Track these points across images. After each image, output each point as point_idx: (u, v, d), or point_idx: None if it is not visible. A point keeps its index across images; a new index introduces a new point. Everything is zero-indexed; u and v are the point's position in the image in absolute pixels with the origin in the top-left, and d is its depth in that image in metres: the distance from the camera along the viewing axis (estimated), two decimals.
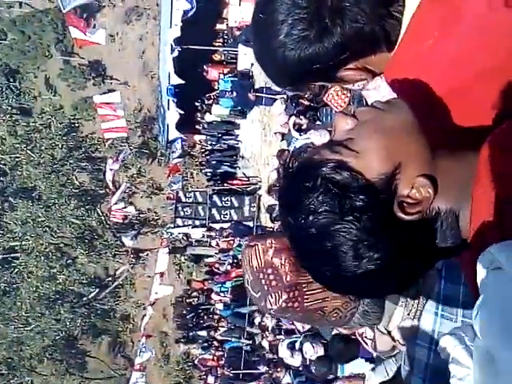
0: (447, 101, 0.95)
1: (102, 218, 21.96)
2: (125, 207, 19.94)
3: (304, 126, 9.37)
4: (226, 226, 17.24)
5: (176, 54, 16.03)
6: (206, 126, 17.57)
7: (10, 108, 23.10)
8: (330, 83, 1.16)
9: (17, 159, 22.50)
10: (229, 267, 17.26)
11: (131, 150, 21.15)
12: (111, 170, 18.05)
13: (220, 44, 17.63)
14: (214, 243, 18.29)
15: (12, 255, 22.76)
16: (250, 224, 16.84)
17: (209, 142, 18.21)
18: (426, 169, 0.90)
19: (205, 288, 19.47)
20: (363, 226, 0.86)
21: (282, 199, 0.95)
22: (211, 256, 18.92)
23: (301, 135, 9.45)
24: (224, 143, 17.72)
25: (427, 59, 0.97)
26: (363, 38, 1.00)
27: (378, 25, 1.01)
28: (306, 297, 1.32)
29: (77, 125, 22.20)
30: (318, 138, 7.78)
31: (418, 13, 0.99)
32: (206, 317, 19.01)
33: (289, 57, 1.02)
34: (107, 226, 21.98)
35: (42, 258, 22.32)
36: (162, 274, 18.13)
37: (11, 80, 23.50)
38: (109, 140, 19.26)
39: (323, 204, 0.87)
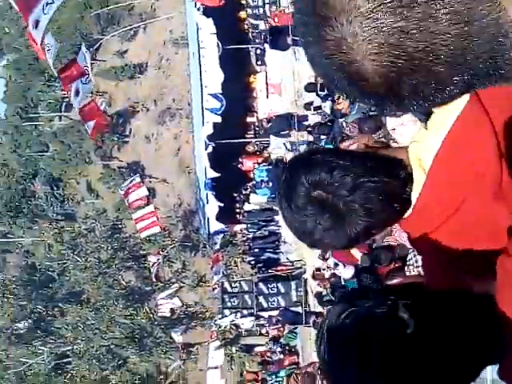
0: None
1: (150, 314, 22.05)
2: (171, 299, 20.06)
3: None
4: (274, 313, 17.09)
5: (210, 149, 16.61)
6: (245, 214, 17.87)
7: (55, 215, 23.96)
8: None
9: (64, 265, 23.09)
10: (281, 355, 16.94)
11: (174, 244, 21.50)
12: (153, 263, 18.31)
13: (252, 136, 18.22)
14: (263, 331, 18.08)
15: (64, 360, 22.84)
16: (299, 310, 16.67)
17: (250, 230, 18.42)
18: None
19: (259, 378, 19.04)
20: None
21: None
22: (262, 345, 18.65)
23: None
24: (265, 230, 17.91)
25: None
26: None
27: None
28: None
29: (120, 226, 22.82)
30: None
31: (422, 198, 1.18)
32: None
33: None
34: (156, 323, 22.02)
35: (94, 360, 22.34)
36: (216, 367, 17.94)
37: (55, 188, 24.54)
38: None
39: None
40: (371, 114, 7.98)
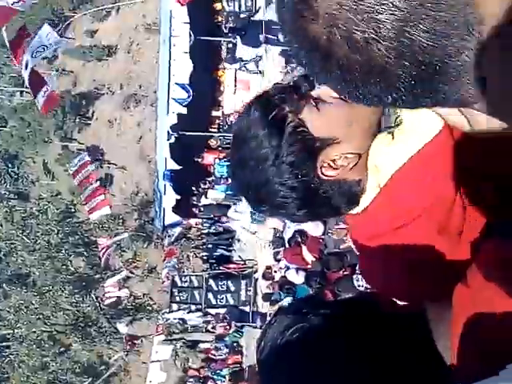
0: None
1: (97, 303, 21.60)
2: (119, 290, 19.66)
3: None
4: (222, 310, 16.92)
5: (173, 139, 16.33)
6: (202, 209, 17.64)
7: (7, 193, 23.25)
8: None
9: (12, 245, 22.41)
10: (226, 354, 16.78)
11: (127, 232, 21.12)
12: (103, 248, 17.68)
13: (215, 130, 18.01)
14: (210, 328, 17.90)
15: (3, 344, 22.19)
16: (247, 309, 16.53)
17: (205, 225, 18.21)
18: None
19: (201, 376, 18.85)
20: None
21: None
22: (207, 342, 18.46)
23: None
24: (220, 226, 17.72)
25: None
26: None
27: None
28: None
29: (73, 210, 22.27)
30: (313, 227, 7.77)
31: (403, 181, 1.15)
32: None
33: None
34: (102, 312, 21.57)
35: (35, 346, 21.76)
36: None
37: (10, 165, 23.81)
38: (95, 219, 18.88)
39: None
40: None
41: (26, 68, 8.42)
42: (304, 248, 8.28)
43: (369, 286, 1.34)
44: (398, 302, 1.16)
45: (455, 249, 1.13)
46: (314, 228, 7.70)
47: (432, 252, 1.13)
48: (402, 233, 1.14)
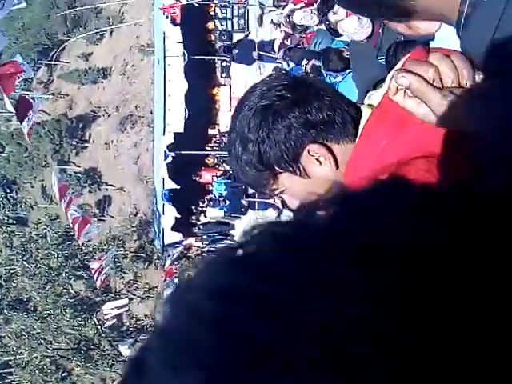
0: None
1: (98, 326, 21.45)
2: (118, 310, 19.49)
3: None
4: None
5: (170, 159, 16.34)
6: (201, 227, 17.58)
7: (6, 219, 23.21)
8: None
9: (12, 270, 22.31)
10: None
11: (127, 255, 21.03)
12: (96, 270, 17.30)
13: (212, 148, 18.03)
14: None
15: (6, 370, 21.98)
16: None
17: (205, 244, 18.14)
18: None
19: None
20: None
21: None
22: None
23: None
24: (220, 244, 17.65)
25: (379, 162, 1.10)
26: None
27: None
28: None
29: (72, 233, 22.24)
30: None
31: (366, 126, 1.15)
32: None
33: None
34: (103, 335, 21.41)
35: (37, 372, 21.56)
36: None
37: (8, 191, 23.80)
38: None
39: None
40: None
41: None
42: None
43: None
44: None
45: None
46: None
47: None
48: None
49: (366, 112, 1.22)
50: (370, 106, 1.23)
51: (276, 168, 1.24)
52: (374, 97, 1.28)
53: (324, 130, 1.23)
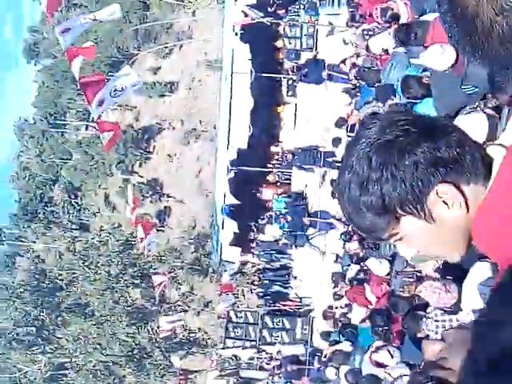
0: None
1: (152, 335, 21.69)
2: (174, 323, 19.61)
3: (361, 254, 9.20)
4: (275, 349, 16.61)
5: (232, 174, 16.43)
6: (259, 244, 17.56)
7: (70, 224, 23.89)
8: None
9: (73, 275, 22.90)
10: None
11: (183, 266, 21.22)
12: (158, 284, 17.56)
13: (274, 166, 18.03)
14: (264, 366, 17.61)
15: (61, 372, 22.51)
16: (302, 349, 16.21)
17: (261, 261, 18.10)
18: None
19: None
20: None
21: None
22: (261, 380, 18.15)
23: (353, 262, 9.30)
24: (277, 262, 17.57)
25: None
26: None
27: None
28: None
29: (133, 242, 22.66)
30: (377, 265, 7.56)
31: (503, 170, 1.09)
32: None
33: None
34: (156, 345, 21.63)
35: (91, 376, 21.96)
36: None
37: (73, 197, 24.54)
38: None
39: None
40: None
41: (100, 105, 8.65)
42: (367, 287, 8.03)
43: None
44: None
45: None
46: (378, 267, 7.49)
47: None
48: None
49: (497, 151, 1.15)
50: (501, 146, 1.16)
51: (398, 211, 1.13)
52: (503, 136, 1.21)
53: (454, 169, 1.11)
